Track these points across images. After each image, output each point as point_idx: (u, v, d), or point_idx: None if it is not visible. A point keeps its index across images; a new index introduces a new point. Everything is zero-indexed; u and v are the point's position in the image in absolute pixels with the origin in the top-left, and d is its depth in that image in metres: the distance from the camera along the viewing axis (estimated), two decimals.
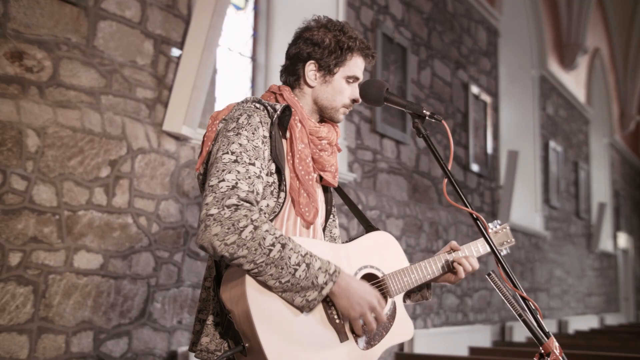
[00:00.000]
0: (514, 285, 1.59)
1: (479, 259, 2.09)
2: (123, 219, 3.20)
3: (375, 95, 1.86)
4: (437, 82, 6.42)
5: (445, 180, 1.72)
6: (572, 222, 10.51)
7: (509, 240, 2.23)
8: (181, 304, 3.50)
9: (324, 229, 1.93)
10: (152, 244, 3.35)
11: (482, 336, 6.60)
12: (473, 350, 5.38)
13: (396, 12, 5.73)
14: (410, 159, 5.85)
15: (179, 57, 3.55)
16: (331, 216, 1.99)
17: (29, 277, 2.79)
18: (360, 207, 5.03)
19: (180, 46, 3.58)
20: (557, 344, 1.56)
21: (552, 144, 9.51)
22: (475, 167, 7.06)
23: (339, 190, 2.04)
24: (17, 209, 2.76)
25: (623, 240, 13.53)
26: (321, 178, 1.89)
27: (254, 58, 4.80)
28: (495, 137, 7.76)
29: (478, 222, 1.66)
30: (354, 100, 1.90)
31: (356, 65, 1.88)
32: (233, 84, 4.60)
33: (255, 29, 4.87)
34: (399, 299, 1.90)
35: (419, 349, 5.43)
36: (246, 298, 1.56)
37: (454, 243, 2.03)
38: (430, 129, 6.02)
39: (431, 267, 1.97)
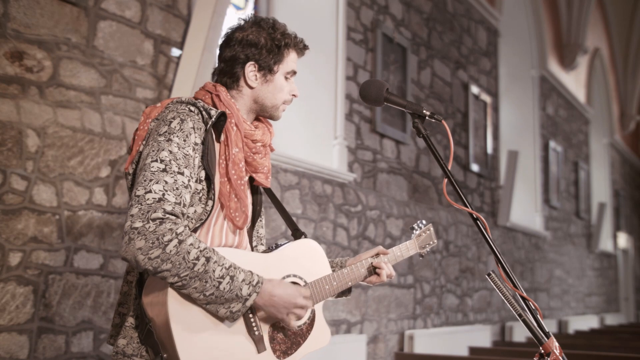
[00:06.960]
0: (514, 285, 1.59)
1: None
2: (123, 219, 3.20)
3: (375, 95, 1.86)
4: (437, 82, 6.42)
5: (445, 180, 1.72)
6: (572, 222, 10.50)
7: (431, 242, 2.27)
8: None
9: (251, 230, 1.94)
10: None
11: (482, 336, 6.60)
12: (473, 350, 5.39)
13: (396, 12, 5.73)
14: (410, 159, 5.85)
15: (179, 57, 3.55)
16: (259, 217, 1.99)
17: (29, 277, 2.79)
18: (360, 207, 5.04)
19: (180, 46, 3.58)
20: (557, 344, 1.56)
21: (552, 144, 9.51)
22: (475, 167, 7.06)
23: (269, 192, 2.04)
24: (17, 209, 2.76)
25: (623, 240, 13.53)
26: (252, 179, 1.88)
27: None
28: (495, 137, 7.76)
29: (478, 222, 1.66)
30: (293, 95, 1.93)
31: (292, 60, 1.90)
32: None
33: None
34: (319, 306, 1.92)
35: (419, 349, 5.43)
36: (167, 308, 1.58)
37: (381, 248, 2.09)
38: (430, 129, 6.02)
39: (353, 274, 2.01)
